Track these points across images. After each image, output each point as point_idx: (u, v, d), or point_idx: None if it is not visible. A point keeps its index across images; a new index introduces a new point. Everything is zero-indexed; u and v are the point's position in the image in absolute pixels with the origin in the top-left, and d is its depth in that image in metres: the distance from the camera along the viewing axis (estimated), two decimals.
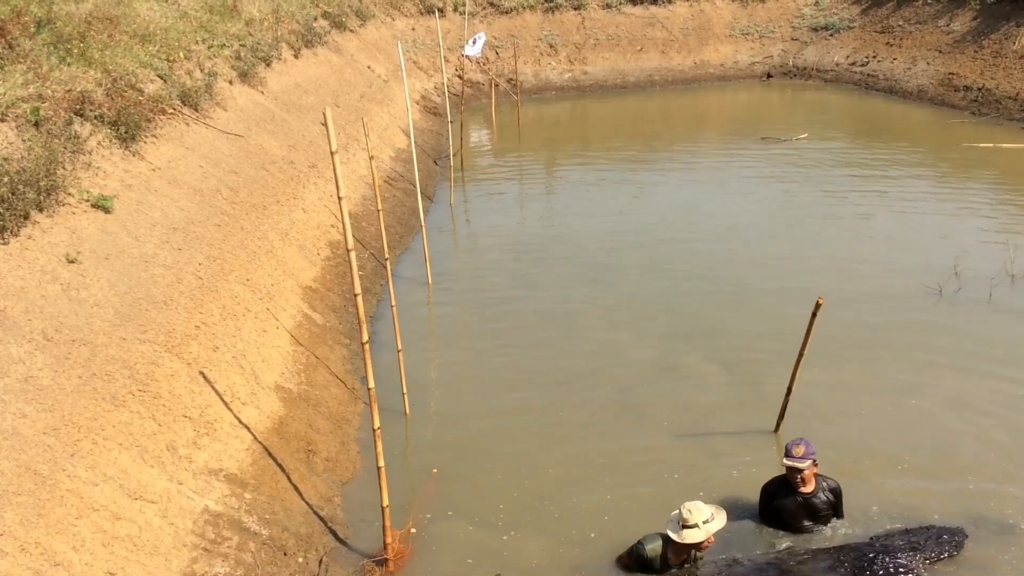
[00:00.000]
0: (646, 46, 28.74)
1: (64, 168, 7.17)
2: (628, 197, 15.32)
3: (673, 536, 5.55)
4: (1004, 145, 17.34)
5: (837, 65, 27.01)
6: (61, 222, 6.73)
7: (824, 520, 6.16)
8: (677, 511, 5.61)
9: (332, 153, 5.12)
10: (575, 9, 28.85)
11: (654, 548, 5.63)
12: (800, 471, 6.02)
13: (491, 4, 28.44)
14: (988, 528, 6.05)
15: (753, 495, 6.46)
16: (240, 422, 6.53)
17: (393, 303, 7.97)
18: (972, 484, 6.56)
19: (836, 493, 6.21)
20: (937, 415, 7.55)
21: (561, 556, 5.99)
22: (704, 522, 5.50)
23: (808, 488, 6.12)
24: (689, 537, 5.49)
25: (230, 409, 6.54)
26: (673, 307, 10.14)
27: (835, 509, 6.21)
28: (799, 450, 6.04)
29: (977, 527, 6.04)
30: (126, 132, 8.49)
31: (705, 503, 5.64)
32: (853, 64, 26.45)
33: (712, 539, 5.64)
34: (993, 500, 6.35)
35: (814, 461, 6.06)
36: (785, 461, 6.07)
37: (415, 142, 12.02)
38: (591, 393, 8.20)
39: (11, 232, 6.15)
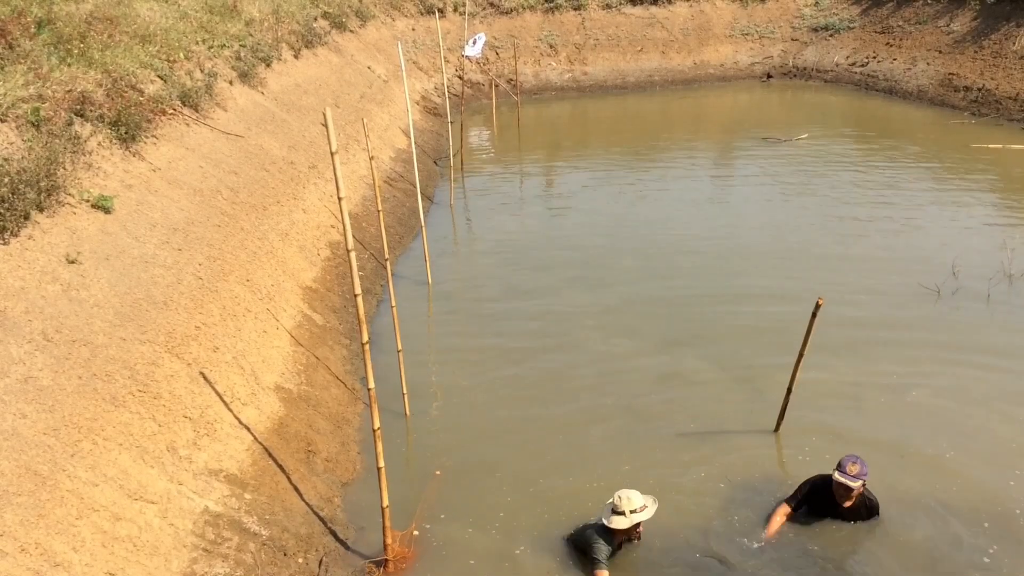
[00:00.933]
0: (646, 46, 28.73)
1: (64, 168, 7.17)
2: (627, 197, 15.32)
3: (604, 520, 5.70)
4: (1014, 147, 17.29)
5: (837, 65, 27.01)
6: (61, 222, 6.73)
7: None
8: (614, 497, 5.72)
9: (332, 153, 5.12)
10: (575, 9, 28.85)
11: (600, 547, 5.71)
12: (851, 489, 5.88)
13: (491, 4, 28.44)
14: (1001, 519, 6.06)
15: (754, 495, 6.47)
16: (240, 423, 6.53)
17: (393, 303, 7.97)
18: (974, 478, 6.56)
19: (873, 511, 6.12)
20: (937, 412, 7.56)
21: (561, 557, 5.99)
22: (632, 511, 5.62)
23: (848, 504, 6.01)
24: (616, 523, 5.62)
25: (230, 410, 6.54)
26: (672, 307, 10.14)
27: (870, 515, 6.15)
28: (854, 468, 5.87)
29: (986, 518, 6.08)
30: (126, 132, 8.50)
31: (642, 494, 5.74)
32: (853, 64, 26.45)
33: (640, 529, 5.80)
34: (996, 494, 6.36)
35: (864, 483, 5.92)
36: (837, 476, 5.89)
37: (415, 142, 12.02)
38: (591, 393, 8.20)
39: (11, 232, 6.15)
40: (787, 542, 6.03)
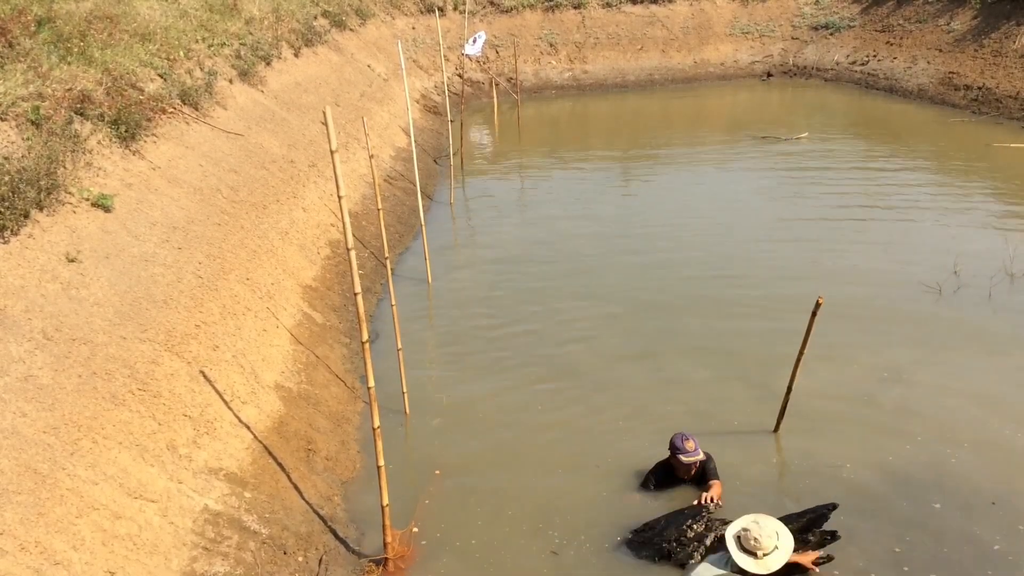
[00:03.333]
0: (646, 45, 28.72)
1: (64, 167, 7.17)
2: (627, 196, 15.33)
3: (734, 555, 5.03)
4: None
5: (837, 64, 27.00)
6: (61, 221, 6.73)
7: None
8: (744, 528, 5.08)
9: (332, 152, 5.12)
10: (575, 8, 28.84)
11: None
12: (696, 463, 6.41)
13: (491, 3, 28.43)
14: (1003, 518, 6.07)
15: (754, 495, 6.47)
16: (240, 421, 6.53)
17: (393, 302, 7.97)
18: (978, 478, 6.55)
19: (706, 465, 6.53)
20: (939, 411, 7.55)
21: (562, 557, 5.99)
22: (764, 555, 4.94)
23: (691, 476, 6.52)
24: (745, 564, 4.95)
25: (230, 408, 6.54)
26: (671, 307, 10.14)
27: (706, 475, 6.53)
28: (691, 444, 6.39)
29: (988, 516, 6.08)
30: (126, 131, 8.50)
31: (773, 523, 5.10)
32: (853, 63, 26.44)
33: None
34: (999, 492, 6.36)
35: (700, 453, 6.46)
36: (683, 459, 6.36)
37: (415, 141, 12.01)
38: (592, 393, 8.20)
39: (11, 231, 6.15)
40: None
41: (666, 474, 6.61)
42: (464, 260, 12.58)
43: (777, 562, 4.98)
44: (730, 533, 5.15)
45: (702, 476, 6.52)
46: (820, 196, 14.59)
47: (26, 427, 4.90)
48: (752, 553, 4.99)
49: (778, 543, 5.03)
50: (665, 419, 7.64)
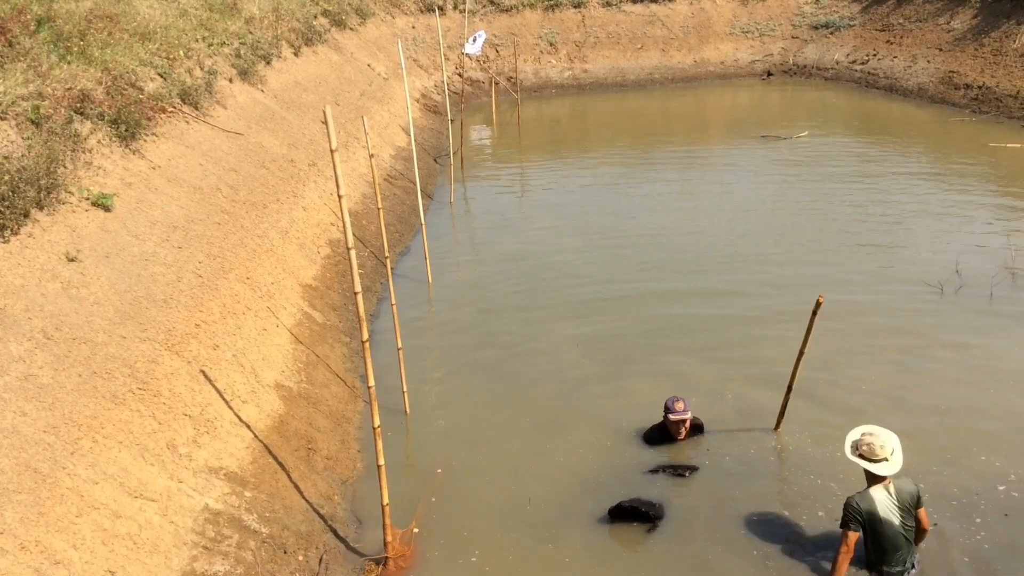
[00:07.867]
0: (646, 44, 28.72)
1: (64, 166, 7.17)
2: (626, 195, 15.31)
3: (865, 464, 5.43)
4: None
5: (837, 63, 26.99)
6: (61, 220, 6.73)
7: None
8: (859, 435, 5.51)
9: (332, 151, 5.11)
10: (575, 7, 28.83)
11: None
12: (686, 421, 7.03)
13: (491, 2, 28.42)
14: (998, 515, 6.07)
15: (754, 494, 6.47)
16: (240, 420, 6.53)
17: (393, 301, 7.97)
18: (978, 476, 6.55)
19: (699, 428, 7.25)
20: (939, 410, 7.55)
21: (564, 556, 5.99)
22: (892, 453, 5.39)
23: (683, 436, 7.11)
24: (883, 470, 5.36)
25: (230, 407, 6.54)
26: (672, 305, 10.14)
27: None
28: (680, 405, 6.99)
29: (984, 514, 6.08)
30: (126, 130, 8.49)
31: (882, 429, 5.53)
32: (853, 62, 26.42)
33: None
34: (998, 490, 6.36)
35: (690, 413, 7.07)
36: (672, 418, 6.97)
37: (415, 140, 12.01)
38: (594, 392, 8.20)
39: (11, 230, 6.15)
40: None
41: (660, 436, 7.17)
42: (464, 259, 12.58)
43: (895, 466, 5.37)
44: (849, 445, 5.57)
45: (695, 431, 7.21)
46: (820, 195, 14.58)
47: (26, 426, 4.90)
48: (883, 460, 5.40)
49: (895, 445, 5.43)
50: None
